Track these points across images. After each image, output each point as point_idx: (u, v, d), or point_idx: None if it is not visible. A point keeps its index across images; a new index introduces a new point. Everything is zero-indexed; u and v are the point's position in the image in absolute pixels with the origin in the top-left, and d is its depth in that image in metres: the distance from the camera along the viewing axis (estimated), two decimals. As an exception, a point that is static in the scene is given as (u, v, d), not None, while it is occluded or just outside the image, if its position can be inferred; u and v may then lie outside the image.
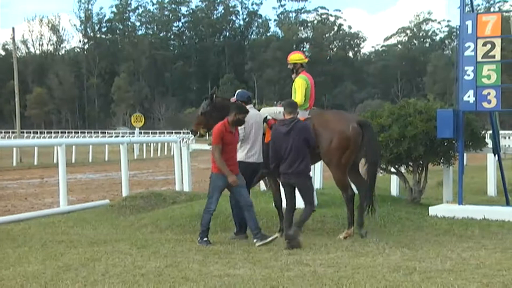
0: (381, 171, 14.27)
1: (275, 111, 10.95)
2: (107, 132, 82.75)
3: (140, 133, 56.69)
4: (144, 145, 47.20)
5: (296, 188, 10.16)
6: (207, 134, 11.47)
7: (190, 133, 10.07)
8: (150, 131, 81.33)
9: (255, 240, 9.89)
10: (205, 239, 10.09)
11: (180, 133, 68.65)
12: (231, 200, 10.68)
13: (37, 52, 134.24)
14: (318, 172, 17.01)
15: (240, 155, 10.53)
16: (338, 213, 12.56)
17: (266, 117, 10.87)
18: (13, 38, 51.55)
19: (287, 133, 9.91)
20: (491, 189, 17.23)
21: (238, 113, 10.06)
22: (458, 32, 13.28)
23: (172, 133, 76.34)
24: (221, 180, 10.10)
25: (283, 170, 10.04)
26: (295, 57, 11.42)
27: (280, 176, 10.25)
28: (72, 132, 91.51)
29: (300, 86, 11.04)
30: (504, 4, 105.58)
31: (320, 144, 10.47)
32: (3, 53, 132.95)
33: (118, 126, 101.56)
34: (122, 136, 64.21)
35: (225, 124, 10.08)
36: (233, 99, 10.84)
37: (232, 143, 10.14)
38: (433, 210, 12.85)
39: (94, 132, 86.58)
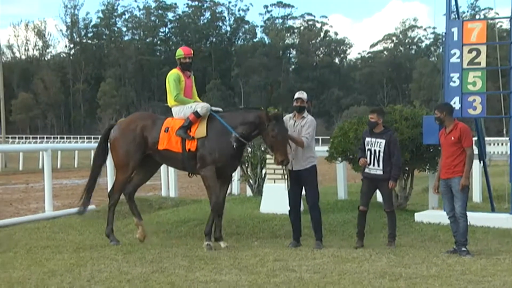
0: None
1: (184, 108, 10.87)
2: (93, 138, 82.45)
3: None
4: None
5: None
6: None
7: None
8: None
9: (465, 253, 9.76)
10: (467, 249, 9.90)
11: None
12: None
13: (23, 57, 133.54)
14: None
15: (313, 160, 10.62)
16: (325, 219, 12.59)
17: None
18: (-1, 43, 51.13)
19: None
20: (477, 196, 17.30)
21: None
22: (444, 39, 13.34)
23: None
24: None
25: None
26: None
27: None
28: (57, 138, 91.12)
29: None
30: (489, 12, 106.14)
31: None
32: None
33: None
34: None
35: None
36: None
37: None
38: (419, 216, 12.90)
39: (80, 138, 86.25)
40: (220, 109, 11.18)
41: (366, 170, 10.66)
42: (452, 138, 9.90)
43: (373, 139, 10.53)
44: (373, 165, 10.53)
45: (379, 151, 10.46)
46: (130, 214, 13.51)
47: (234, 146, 10.45)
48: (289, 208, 10.78)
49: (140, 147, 10.94)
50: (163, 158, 11.04)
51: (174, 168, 13.99)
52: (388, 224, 10.74)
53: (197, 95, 11.42)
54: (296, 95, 10.77)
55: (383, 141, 10.45)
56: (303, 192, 10.83)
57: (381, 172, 10.48)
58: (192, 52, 11.21)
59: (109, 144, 11.39)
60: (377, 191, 11.33)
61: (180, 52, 11.07)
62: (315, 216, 10.70)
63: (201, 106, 10.61)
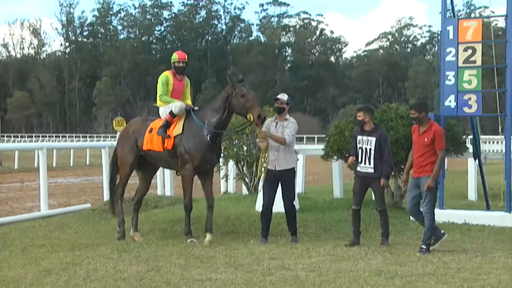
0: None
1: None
2: (89, 136, 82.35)
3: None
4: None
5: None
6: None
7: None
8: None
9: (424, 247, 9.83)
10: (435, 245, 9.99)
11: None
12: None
13: (18, 55, 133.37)
14: (300, 177, 17.03)
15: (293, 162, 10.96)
16: (320, 217, 12.62)
17: None
18: (-6, 41, 51.04)
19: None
20: (472, 194, 17.33)
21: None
22: (439, 38, 13.36)
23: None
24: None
25: None
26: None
27: None
28: (53, 136, 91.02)
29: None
30: (484, 10, 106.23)
31: None
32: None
33: None
34: None
35: None
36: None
37: None
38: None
39: (75, 136, 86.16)
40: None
41: (358, 169, 10.62)
42: (426, 139, 9.93)
43: (364, 137, 10.49)
44: (365, 163, 10.48)
45: (370, 149, 10.42)
46: (126, 213, 13.56)
47: (208, 138, 10.82)
48: (262, 208, 10.99)
49: (132, 149, 11.47)
50: (150, 158, 11.48)
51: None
52: (381, 223, 10.72)
53: (191, 97, 11.77)
54: (277, 96, 11.01)
55: (374, 139, 10.42)
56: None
57: (372, 170, 10.43)
58: (186, 56, 11.56)
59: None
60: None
61: (175, 56, 11.45)
62: (291, 215, 10.90)
63: (175, 106, 11.01)
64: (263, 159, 10.83)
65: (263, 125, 10.82)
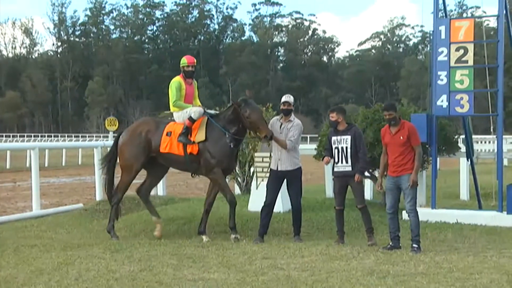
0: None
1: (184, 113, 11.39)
2: (81, 136, 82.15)
3: (114, 136, 56.34)
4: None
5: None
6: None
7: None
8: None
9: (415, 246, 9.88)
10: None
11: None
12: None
13: (10, 55, 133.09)
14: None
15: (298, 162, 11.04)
16: (313, 217, 12.63)
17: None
18: (-14, 41, 50.85)
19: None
20: (464, 193, 17.37)
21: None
22: (431, 37, 13.38)
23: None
24: None
25: None
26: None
27: None
28: (45, 136, 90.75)
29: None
30: (476, 10, 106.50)
31: None
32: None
33: None
34: None
35: None
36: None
37: None
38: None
39: (67, 136, 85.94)
40: (215, 111, 11.93)
41: (336, 169, 10.71)
42: (401, 137, 9.97)
43: (339, 137, 10.60)
44: (341, 162, 10.59)
45: (346, 148, 10.53)
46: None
47: (232, 146, 11.07)
48: (263, 204, 11.08)
49: (144, 150, 11.53)
50: (166, 160, 11.59)
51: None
52: (363, 220, 10.84)
53: (198, 98, 11.95)
54: (283, 99, 11.12)
55: (349, 137, 10.53)
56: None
57: (350, 168, 10.53)
58: (195, 61, 11.76)
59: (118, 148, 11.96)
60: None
61: (184, 60, 11.64)
62: (298, 215, 11.05)
63: (194, 111, 11.20)
64: (253, 148, 11.01)
65: (268, 123, 11.11)
